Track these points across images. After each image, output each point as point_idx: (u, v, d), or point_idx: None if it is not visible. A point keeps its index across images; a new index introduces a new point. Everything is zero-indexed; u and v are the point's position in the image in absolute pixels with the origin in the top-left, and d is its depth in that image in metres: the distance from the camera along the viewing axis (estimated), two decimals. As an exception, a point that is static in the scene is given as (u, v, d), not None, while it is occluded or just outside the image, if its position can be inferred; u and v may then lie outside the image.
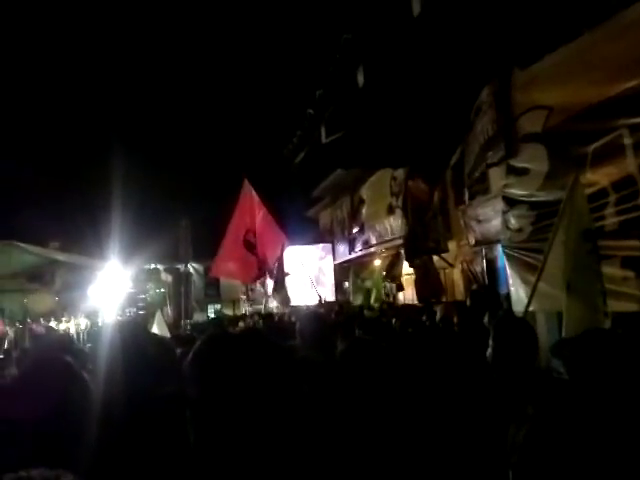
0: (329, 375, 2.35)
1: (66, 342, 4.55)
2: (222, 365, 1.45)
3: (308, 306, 12.14)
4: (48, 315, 11.60)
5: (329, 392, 2.24)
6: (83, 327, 13.31)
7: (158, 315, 9.63)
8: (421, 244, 7.82)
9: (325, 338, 3.01)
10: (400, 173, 10.35)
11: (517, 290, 4.55)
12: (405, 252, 8.68)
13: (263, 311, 10.88)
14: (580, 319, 3.03)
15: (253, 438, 1.41)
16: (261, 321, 8.90)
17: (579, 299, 3.07)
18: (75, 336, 12.22)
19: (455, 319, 5.31)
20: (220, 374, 1.45)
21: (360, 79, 4.16)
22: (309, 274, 10.53)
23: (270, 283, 11.55)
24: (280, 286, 9.58)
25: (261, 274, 10.39)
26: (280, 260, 9.78)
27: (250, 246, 10.49)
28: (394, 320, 5.83)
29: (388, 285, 11.59)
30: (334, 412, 2.15)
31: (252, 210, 10.74)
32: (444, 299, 9.69)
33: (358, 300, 12.60)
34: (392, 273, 10.30)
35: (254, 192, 10.81)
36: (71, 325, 13.99)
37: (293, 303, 9.59)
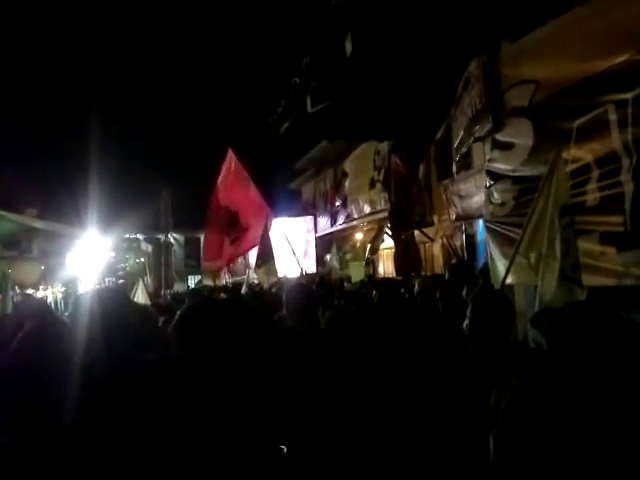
0: (314, 344, 2.35)
1: (45, 308, 4.48)
2: (206, 329, 1.42)
3: (289, 278, 12.15)
4: (34, 285, 11.42)
5: (314, 360, 2.24)
6: (61, 295, 13.14)
7: (140, 284, 9.56)
8: (407, 218, 7.85)
9: (310, 309, 3.02)
10: (384, 147, 10.30)
11: (496, 264, 4.59)
12: (391, 226, 8.71)
13: (245, 283, 10.83)
14: (554, 291, 3.08)
15: (236, 398, 1.40)
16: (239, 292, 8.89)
17: (554, 272, 3.10)
18: (53, 304, 12.07)
19: (436, 293, 5.35)
20: (203, 337, 1.43)
21: (348, 48, 4.08)
22: (291, 246, 10.50)
23: (253, 255, 11.50)
24: (266, 259, 9.53)
25: (234, 256, 10.28)
26: (265, 233, 9.72)
27: (233, 221, 10.37)
28: (374, 292, 5.87)
29: (369, 257, 11.67)
30: (318, 379, 2.15)
31: (235, 182, 10.60)
32: (423, 273, 9.80)
33: (339, 272, 12.66)
34: (374, 246, 10.39)
35: (239, 163, 10.65)
36: (49, 293, 13.81)
37: (278, 275, 9.58)
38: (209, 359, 1.34)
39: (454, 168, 5.87)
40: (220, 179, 10.84)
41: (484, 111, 4.53)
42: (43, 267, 9.89)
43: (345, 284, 10.05)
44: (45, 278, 13.77)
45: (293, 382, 1.98)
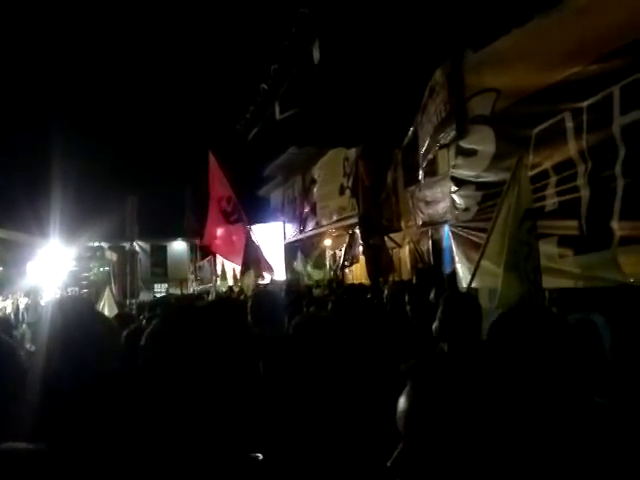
0: (283, 350, 2.36)
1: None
2: (184, 337, 1.42)
3: (258, 285, 12.10)
4: None
5: (284, 366, 2.25)
6: (22, 305, 12.74)
7: (107, 293, 9.36)
8: (376, 224, 7.94)
9: (276, 315, 3.02)
10: (353, 154, 10.41)
11: (462, 268, 4.70)
12: (360, 232, 8.78)
13: (212, 291, 10.75)
14: (514, 293, 3.18)
15: (209, 406, 1.40)
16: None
17: (514, 274, 3.21)
18: (13, 315, 11.70)
19: (406, 297, 5.44)
20: (181, 345, 1.42)
21: (316, 55, 4.13)
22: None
23: (219, 262, 11.41)
24: (249, 265, 9.50)
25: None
26: (249, 239, 9.69)
27: (227, 215, 10.20)
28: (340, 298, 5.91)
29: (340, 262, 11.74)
30: (289, 385, 2.16)
31: (222, 180, 10.44)
32: (392, 278, 9.90)
33: (307, 279, 12.69)
34: (350, 254, 10.41)
35: (219, 168, 10.51)
36: (8, 303, 13.37)
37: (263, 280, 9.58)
38: (182, 368, 1.34)
39: (421, 174, 5.99)
40: (210, 183, 10.66)
41: (448, 118, 4.65)
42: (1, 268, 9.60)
43: (314, 291, 10.08)
44: (4, 288, 13.34)
45: (264, 389, 1.99)
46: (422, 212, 8.40)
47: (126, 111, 20.52)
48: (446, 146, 5.03)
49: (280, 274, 14.75)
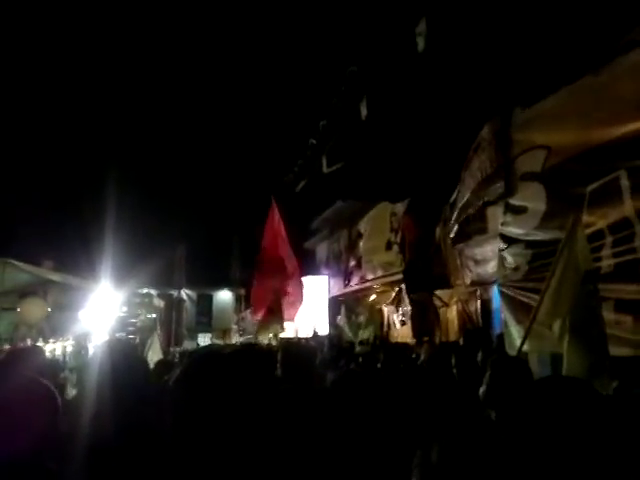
0: (316, 406, 2.30)
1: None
2: (207, 382, 1.40)
3: (300, 339, 12.03)
4: (38, 325, 11.38)
5: (318, 422, 2.19)
6: (70, 349, 13.09)
7: (155, 338, 9.54)
8: (423, 278, 7.81)
9: (309, 369, 2.94)
10: (400, 209, 10.42)
11: (511, 330, 4.51)
12: (405, 287, 8.66)
13: (254, 342, 10.72)
14: (580, 362, 3.00)
15: (234, 458, 1.37)
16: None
17: (580, 343, 3.04)
18: (62, 357, 12.01)
19: (451, 359, 5.26)
20: (204, 392, 1.41)
21: (363, 111, 4.24)
22: (305, 306, 10.44)
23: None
24: (274, 317, 9.46)
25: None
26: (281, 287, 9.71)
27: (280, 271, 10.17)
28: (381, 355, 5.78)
29: (388, 320, 11.54)
30: (323, 442, 2.10)
31: (277, 234, 10.47)
32: (438, 339, 9.61)
33: (351, 334, 12.48)
34: (400, 312, 10.23)
35: (279, 215, 10.57)
36: (58, 346, 13.75)
37: (285, 334, 9.47)
38: (202, 413, 1.31)
39: (455, 228, 5.91)
40: (268, 229, 10.71)
41: (496, 175, 4.61)
42: (50, 309, 9.93)
43: (357, 347, 9.90)
44: (55, 331, 13.78)
45: (295, 447, 1.93)
46: (471, 270, 8.21)
47: (177, 163, 21.51)
48: (492, 203, 4.96)
49: (323, 329, 14.63)
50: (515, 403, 2.80)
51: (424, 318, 7.99)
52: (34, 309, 9.26)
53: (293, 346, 3.39)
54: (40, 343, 13.37)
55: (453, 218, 5.86)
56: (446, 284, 8.33)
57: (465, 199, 5.21)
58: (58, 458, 1.60)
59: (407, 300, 8.88)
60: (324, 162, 5.52)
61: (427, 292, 8.11)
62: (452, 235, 6.27)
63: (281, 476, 1.56)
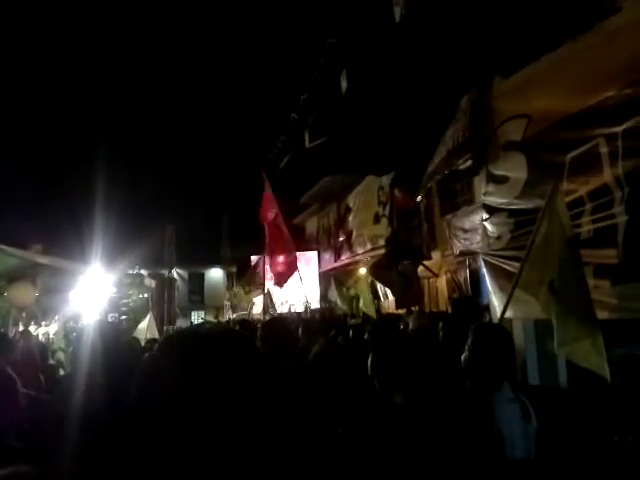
0: (299, 380, 2.34)
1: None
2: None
3: (292, 313, 12.13)
4: (29, 309, 11.37)
5: (301, 398, 2.22)
6: (62, 333, 13.12)
7: (150, 318, 9.64)
8: (404, 248, 7.87)
9: (290, 344, 2.96)
10: (386, 182, 10.42)
11: (495, 298, 4.58)
12: (386, 254, 8.72)
13: (248, 318, 10.82)
14: (572, 329, 3.07)
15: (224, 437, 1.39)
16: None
17: (568, 308, 3.10)
18: (54, 340, 12.05)
19: (438, 328, 5.34)
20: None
21: (343, 84, 4.19)
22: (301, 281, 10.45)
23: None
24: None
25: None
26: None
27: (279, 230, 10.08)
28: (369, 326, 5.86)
29: (379, 291, 11.63)
30: (305, 418, 2.14)
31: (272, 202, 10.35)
32: (427, 308, 9.74)
33: (343, 308, 12.60)
34: (384, 276, 10.25)
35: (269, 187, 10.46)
36: (51, 329, 13.78)
37: (277, 310, 9.55)
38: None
39: (422, 191, 5.93)
40: (263, 204, 10.61)
41: (466, 144, 4.61)
42: (38, 294, 9.89)
43: (349, 319, 10.01)
44: (47, 315, 13.79)
45: (279, 424, 1.97)
46: (459, 241, 8.29)
47: (165, 143, 21.29)
48: (461, 171, 4.97)
49: (315, 303, 14.74)
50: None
51: (409, 288, 8.08)
52: (22, 293, 9.22)
53: (274, 322, 3.41)
54: (32, 327, 13.41)
55: (420, 185, 5.88)
56: (424, 256, 8.41)
57: (434, 165, 5.21)
58: (27, 436, 1.64)
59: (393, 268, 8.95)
60: (307, 137, 5.46)
61: (411, 262, 8.18)
62: (419, 198, 6.30)
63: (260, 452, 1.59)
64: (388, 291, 11.88)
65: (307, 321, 7.85)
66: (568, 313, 3.12)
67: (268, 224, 10.06)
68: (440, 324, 5.19)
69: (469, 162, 4.53)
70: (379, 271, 9.37)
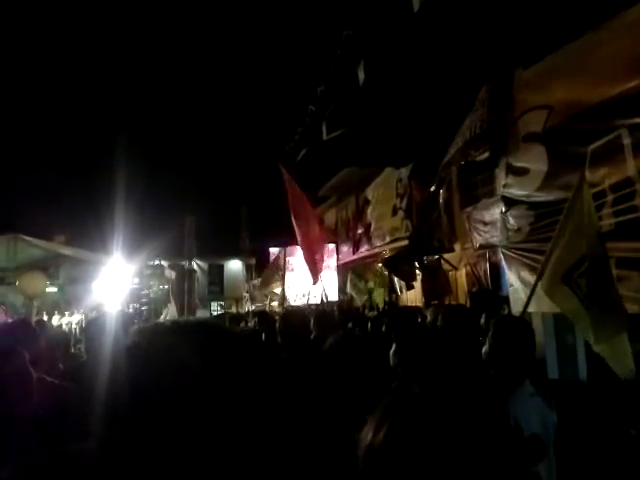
0: (312, 372, 2.35)
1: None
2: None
3: (310, 305, 12.18)
4: (43, 298, 11.61)
5: (315, 391, 2.24)
6: (83, 322, 13.41)
7: (171, 307, 9.82)
8: (427, 243, 7.82)
9: (305, 335, 2.99)
10: (404, 174, 10.36)
11: (515, 291, 4.55)
12: (410, 251, 8.68)
13: (268, 309, 10.91)
14: (606, 325, 3.03)
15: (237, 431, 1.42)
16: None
17: (602, 304, 3.06)
18: (77, 331, 12.31)
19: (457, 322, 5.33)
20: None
21: (361, 76, 4.18)
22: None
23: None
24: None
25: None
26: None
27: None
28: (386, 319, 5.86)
29: (397, 285, 11.61)
30: (320, 411, 2.15)
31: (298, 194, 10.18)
32: (448, 302, 9.68)
33: (360, 300, 12.62)
34: (402, 270, 10.22)
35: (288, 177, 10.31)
36: (74, 319, 14.08)
37: (292, 302, 9.59)
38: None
39: (435, 182, 5.88)
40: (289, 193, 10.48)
41: (484, 135, 4.56)
42: (48, 282, 10.08)
43: (367, 312, 10.02)
44: (70, 305, 14.07)
45: (291, 418, 2.00)
46: (479, 234, 8.21)
47: (184, 136, 21.48)
48: (478, 163, 4.91)
49: (332, 295, 14.76)
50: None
51: (434, 282, 8.03)
52: (32, 283, 9.40)
53: (292, 314, 3.44)
54: (56, 317, 13.66)
55: (436, 175, 5.83)
56: (448, 249, 8.34)
57: (449, 156, 5.15)
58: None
59: (412, 263, 8.89)
60: (324, 129, 5.47)
61: (436, 256, 8.12)
62: (432, 188, 6.24)
63: (273, 442, 1.61)
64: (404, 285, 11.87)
65: (324, 313, 7.88)
66: (602, 309, 3.07)
67: (302, 217, 9.95)
68: (460, 317, 5.18)
69: (487, 153, 4.47)
70: (397, 265, 9.33)
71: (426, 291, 8.64)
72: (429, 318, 5.49)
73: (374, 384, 2.28)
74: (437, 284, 8.49)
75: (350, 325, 5.90)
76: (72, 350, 7.32)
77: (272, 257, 13.50)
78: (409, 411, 1.02)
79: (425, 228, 7.94)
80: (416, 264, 8.74)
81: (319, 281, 9.92)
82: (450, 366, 3.40)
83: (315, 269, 9.84)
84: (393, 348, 2.43)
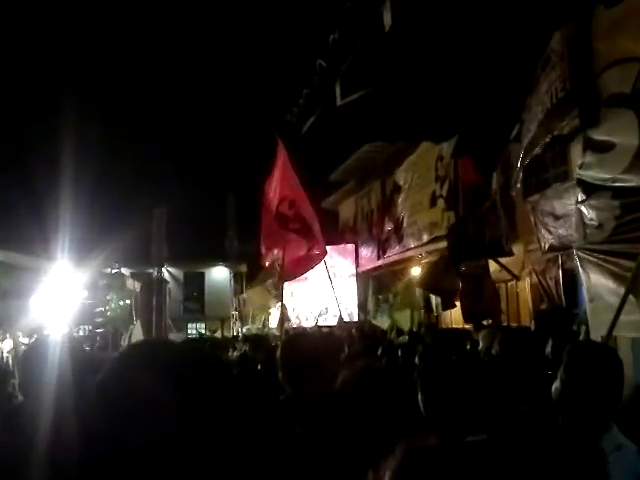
0: (324, 415, 2.38)
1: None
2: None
3: (321, 327, 12.22)
4: None
5: (323, 433, 2.27)
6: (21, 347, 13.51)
7: (137, 328, 9.83)
8: (475, 243, 7.77)
9: (315, 368, 2.99)
10: (447, 151, 10.35)
11: (596, 308, 4.53)
12: (449, 253, 8.65)
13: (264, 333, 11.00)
14: None
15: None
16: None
17: None
18: (8, 360, 12.42)
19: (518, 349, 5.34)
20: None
21: (387, 19, 4.17)
22: (332, 284, 10.51)
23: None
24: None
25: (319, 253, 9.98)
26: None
27: (283, 220, 10.14)
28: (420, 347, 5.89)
29: (433, 301, 11.61)
30: (332, 456, 2.19)
31: (288, 175, 10.37)
32: (504, 322, 9.66)
33: (385, 321, 12.63)
34: (436, 283, 10.23)
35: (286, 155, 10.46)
36: (4, 346, 14.17)
37: (294, 324, 9.64)
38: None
39: (518, 178, 5.87)
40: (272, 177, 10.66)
41: (569, 99, 4.54)
42: None
43: (390, 335, 10.06)
44: (3, 324, 14.22)
45: (302, 460, 2.03)
46: (548, 231, 8.16)
47: (151, 100, 21.55)
48: (565, 138, 4.89)
49: (351, 314, 14.79)
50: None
51: (479, 296, 8.00)
52: None
53: (297, 340, 3.44)
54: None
55: (518, 162, 5.81)
56: (502, 252, 8.28)
57: (531, 134, 5.15)
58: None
59: (451, 273, 8.87)
60: (338, 91, 5.46)
61: (481, 260, 8.07)
62: (518, 185, 6.23)
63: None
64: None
65: (340, 339, 7.89)
66: None
67: (278, 204, 10.04)
68: (520, 343, 5.18)
69: (576, 121, 4.47)
70: (433, 279, 9.30)
71: (467, 309, 8.60)
72: (481, 345, 5.50)
73: (400, 433, 2.30)
74: (482, 298, 8.44)
75: (378, 353, 5.95)
76: (3, 388, 7.40)
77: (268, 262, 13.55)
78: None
79: (471, 224, 7.91)
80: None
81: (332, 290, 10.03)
82: (506, 411, 3.40)
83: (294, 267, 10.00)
84: (421, 390, 2.44)
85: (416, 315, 11.99)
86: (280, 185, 10.05)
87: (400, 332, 10.63)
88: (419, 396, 2.78)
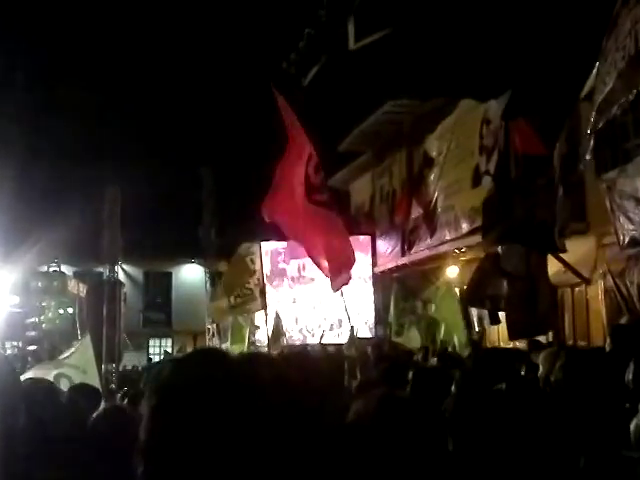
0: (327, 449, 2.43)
1: None
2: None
3: (325, 346, 12.29)
4: None
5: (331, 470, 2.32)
6: None
7: (81, 345, 9.87)
8: (524, 232, 7.78)
9: (320, 398, 3.03)
10: (495, 112, 10.34)
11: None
12: (483, 239, 8.67)
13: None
14: None
15: None
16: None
17: None
18: None
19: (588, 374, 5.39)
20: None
21: None
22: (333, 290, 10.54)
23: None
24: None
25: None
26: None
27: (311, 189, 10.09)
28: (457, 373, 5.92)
29: (474, 313, 11.65)
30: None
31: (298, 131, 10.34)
32: (569, 340, 9.70)
33: (413, 338, 12.66)
34: (483, 293, 10.23)
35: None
36: None
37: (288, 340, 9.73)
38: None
39: (590, 145, 5.86)
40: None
41: None
42: None
43: (419, 357, 10.11)
44: None
45: None
46: (630, 219, 8.18)
47: (103, 42, 21.58)
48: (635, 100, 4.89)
49: (366, 328, 14.84)
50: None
51: (531, 304, 8.01)
52: None
53: (296, 361, 3.47)
54: None
55: (589, 126, 5.81)
56: (558, 246, 8.29)
57: (607, 89, 5.14)
58: None
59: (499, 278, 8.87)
60: (351, 31, 5.44)
61: (538, 256, 8.07)
62: (588, 156, 6.23)
63: None
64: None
65: (350, 362, 7.95)
66: None
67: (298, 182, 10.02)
68: (591, 368, 5.22)
69: None
70: (479, 289, 9.28)
71: (514, 321, 8.61)
72: (541, 370, 5.55)
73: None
74: (537, 308, 8.45)
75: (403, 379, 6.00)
76: None
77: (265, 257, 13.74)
78: None
79: (520, 205, 7.92)
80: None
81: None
82: (569, 453, 3.45)
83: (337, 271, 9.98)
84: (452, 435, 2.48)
85: (457, 331, 11.97)
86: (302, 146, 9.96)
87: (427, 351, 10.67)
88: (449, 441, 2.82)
